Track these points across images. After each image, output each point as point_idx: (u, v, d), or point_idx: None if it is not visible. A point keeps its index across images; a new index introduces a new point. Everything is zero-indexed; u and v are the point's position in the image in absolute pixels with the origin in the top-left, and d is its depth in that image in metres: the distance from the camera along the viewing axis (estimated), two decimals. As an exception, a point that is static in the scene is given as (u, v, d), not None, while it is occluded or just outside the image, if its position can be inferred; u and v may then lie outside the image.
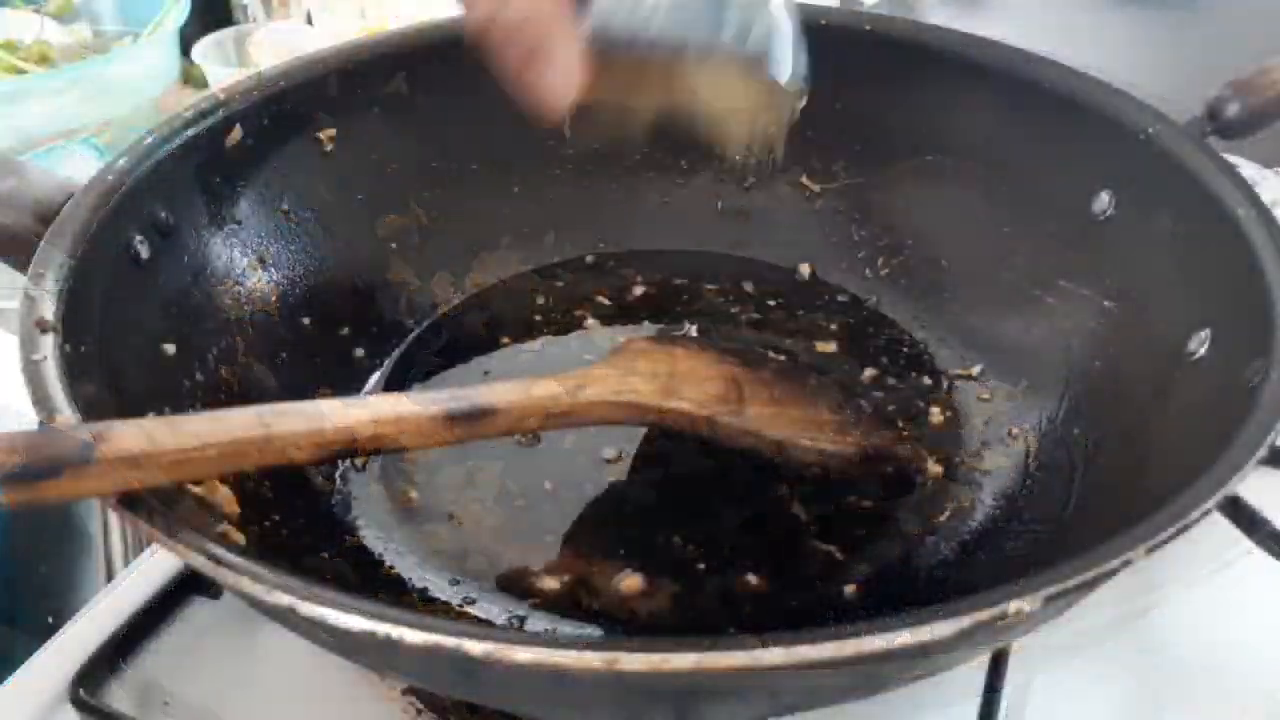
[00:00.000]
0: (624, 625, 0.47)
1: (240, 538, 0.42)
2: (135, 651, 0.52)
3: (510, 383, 0.46)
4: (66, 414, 0.37)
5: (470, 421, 0.43)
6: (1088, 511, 0.47)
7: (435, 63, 0.63)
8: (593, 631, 0.47)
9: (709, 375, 0.51)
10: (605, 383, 0.48)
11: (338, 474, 0.54)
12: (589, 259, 0.68)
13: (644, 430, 0.55)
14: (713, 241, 0.69)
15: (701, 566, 0.49)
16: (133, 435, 0.35)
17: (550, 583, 0.49)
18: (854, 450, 0.52)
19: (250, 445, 0.37)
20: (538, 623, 0.48)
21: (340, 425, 0.39)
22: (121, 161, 0.50)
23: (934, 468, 0.55)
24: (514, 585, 0.49)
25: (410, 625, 0.30)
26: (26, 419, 0.37)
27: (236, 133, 0.56)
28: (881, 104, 0.65)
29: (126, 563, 0.70)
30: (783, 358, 0.60)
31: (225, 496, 0.44)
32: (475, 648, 0.29)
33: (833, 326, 0.64)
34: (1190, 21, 0.95)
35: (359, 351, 0.61)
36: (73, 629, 0.53)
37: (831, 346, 0.62)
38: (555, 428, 0.49)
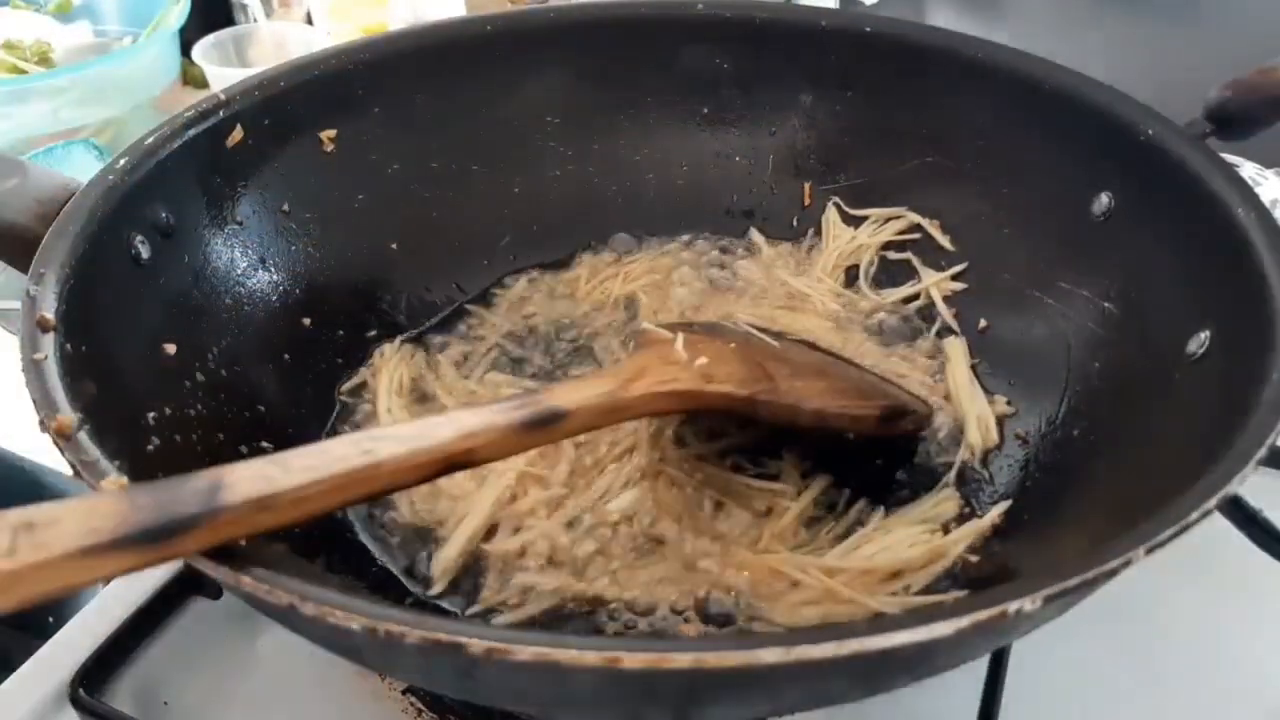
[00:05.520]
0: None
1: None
2: (135, 651, 0.52)
3: (565, 385, 0.45)
4: (67, 412, 0.37)
5: (544, 428, 0.42)
6: (1088, 511, 0.47)
7: (435, 63, 0.63)
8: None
9: (733, 357, 0.51)
10: (648, 375, 0.47)
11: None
12: (589, 257, 0.68)
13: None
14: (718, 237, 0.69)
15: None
16: (251, 478, 0.33)
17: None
18: (876, 410, 0.53)
19: (360, 475, 0.36)
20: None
21: (435, 444, 0.38)
22: (122, 161, 0.50)
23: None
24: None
25: (410, 625, 0.30)
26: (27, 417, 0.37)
27: (237, 133, 0.56)
28: (881, 105, 0.65)
29: (126, 563, 0.70)
30: (788, 337, 0.61)
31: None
32: (475, 646, 0.29)
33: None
34: (1190, 22, 0.95)
35: (359, 352, 0.60)
36: (73, 629, 0.53)
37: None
38: (610, 424, 0.49)
